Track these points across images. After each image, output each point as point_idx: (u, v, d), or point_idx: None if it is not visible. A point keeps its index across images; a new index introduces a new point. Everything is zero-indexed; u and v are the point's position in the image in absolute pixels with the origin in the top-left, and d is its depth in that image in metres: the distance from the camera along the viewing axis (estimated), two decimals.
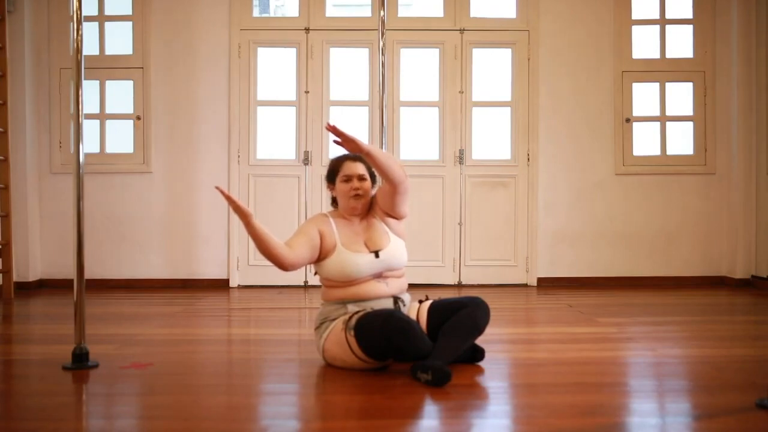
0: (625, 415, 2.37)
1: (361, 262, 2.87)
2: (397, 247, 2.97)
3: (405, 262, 3.00)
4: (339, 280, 2.89)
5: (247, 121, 5.92)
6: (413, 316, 2.94)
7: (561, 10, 5.97)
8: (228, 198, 2.69)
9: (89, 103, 5.69)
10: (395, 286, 2.96)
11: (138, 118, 5.89)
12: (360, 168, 2.99)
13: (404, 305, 2.98)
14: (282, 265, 2.83)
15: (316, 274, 2.99)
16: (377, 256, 2.90)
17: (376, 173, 3.00)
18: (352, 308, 2.87)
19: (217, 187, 2.74)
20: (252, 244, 5.80)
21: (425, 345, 2.68)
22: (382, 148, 3.87)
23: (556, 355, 3.24)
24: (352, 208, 2.97)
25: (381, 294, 2.90)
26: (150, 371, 2.90)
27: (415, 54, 6.06)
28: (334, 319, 2.88)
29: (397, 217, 3.03)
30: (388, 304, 2.91)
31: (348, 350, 2.77)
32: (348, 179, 2.97)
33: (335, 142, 2.76)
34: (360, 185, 2.96)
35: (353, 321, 2.76)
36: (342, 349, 2.80)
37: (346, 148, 2.79)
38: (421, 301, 3.01)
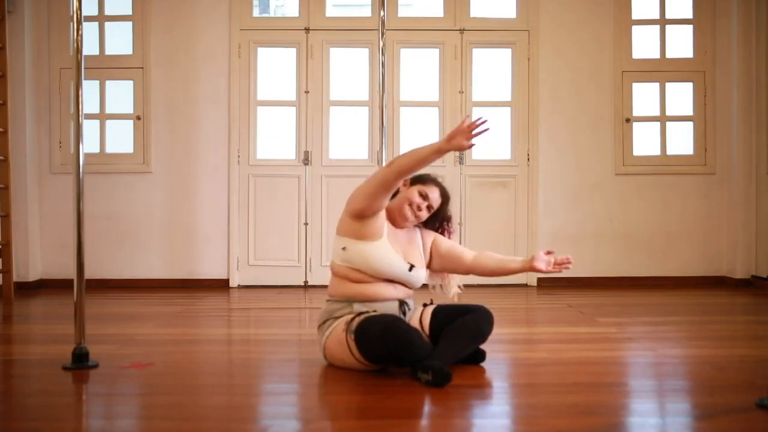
0: (625, 415, 2.37)
1: (397, 265, 2.88)
2: (423, 273, 3.00)
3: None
4: (361, 269, 2.85)
5: (247, 121, 5.91)
6: (416, 319, 2.94)
7: (561, 10, 5.97)
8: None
9: (89, 103, 5.69)
10: (403, 290, 2.97)
11: (138, 118, 5.89)
12: (436, 201, 3.01)
13: (409, 309, 2.98)
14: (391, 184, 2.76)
15: (344, 248, 2.87)
16: (411, 269, 2.91)
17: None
18: (357, 308, 2.86)
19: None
20: (252, 243, 5.85)
21: (425, 353, 2.66)
22: (382, 148, 3.88)
23: (556, 355, 3.24)
24: (402, 218, 2.96)
25: (389, 296, 2.90)
26: (150, 371, 2.90)
27: (415, 54, 6.06)
28: (337, 317, 2.88)
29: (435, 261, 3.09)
30: (394, 307, 2.91)
31: (348, 351, 2.77)
32: (424, 198, 2.97)
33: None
34: (424, 211, 2.97)
35: (354, 324, 2.75)
36: (342, 350, 2.79)
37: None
38: (425, 305, 3.01)
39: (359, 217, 2.83)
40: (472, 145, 2.69)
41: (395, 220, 2.98)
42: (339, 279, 2.92)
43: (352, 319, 2.79)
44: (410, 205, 2.95)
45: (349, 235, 2.88)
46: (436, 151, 2.70)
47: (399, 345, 2.62)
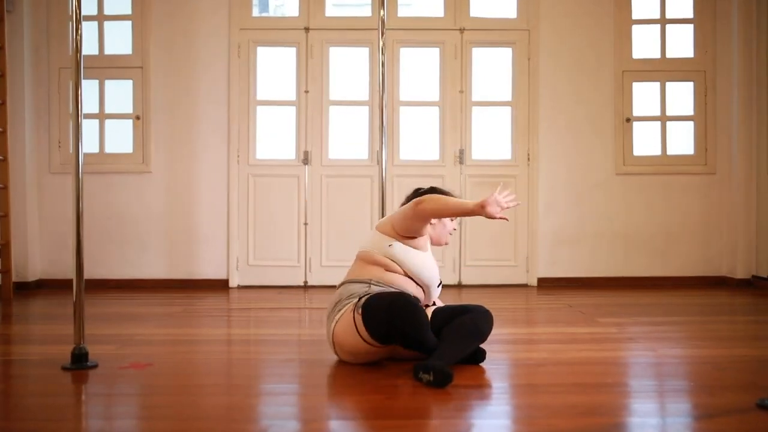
0: (625, 416, 2.37)
1: (434, 277, 3.06)
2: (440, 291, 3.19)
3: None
4: (404, 267, 2.94)
5: (246, 121, 5.91)
6: None
7: (561, 9, 5.96)
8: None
9: (88, 102, 5.67)
10: (421, 295, 3.04)
11: (137, 117, 5.88)
12: None
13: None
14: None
15: (391, 246, 2.95)
16: (439, 285, 3.10)
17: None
18: (375, 288, 2.91)
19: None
20: (252, 243, 5.85)
21: (429, 333, 2.72)
22: (382, 147, 3.89)
23: (556, 355, 3.24)
24: (443, 242, 3.18)
25: (410, 292, 2.96)
26: (149, 371, 2.89)
27: (415, 54, 6.05)
28: (350, 296, 2.90)
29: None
30: None
31: (354, 332, 2.79)
32: (453, 220, 3.18)
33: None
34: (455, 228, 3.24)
35: (363, 300, 2.81)
36: (349, 333, 2.82)
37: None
38: (425, 306, 3.03)
39: (405, 237, 2.98)
40: (502, 218, 2.91)
41: (436, 243, 3.17)
42: (369, 264, 2.97)
43: (360, 298, 2.83)
44: (448, 232, 3.16)
45: (398, 240, 3.00)
46: (469, 212, 2.90)
47: (404, 319, 2.67)
